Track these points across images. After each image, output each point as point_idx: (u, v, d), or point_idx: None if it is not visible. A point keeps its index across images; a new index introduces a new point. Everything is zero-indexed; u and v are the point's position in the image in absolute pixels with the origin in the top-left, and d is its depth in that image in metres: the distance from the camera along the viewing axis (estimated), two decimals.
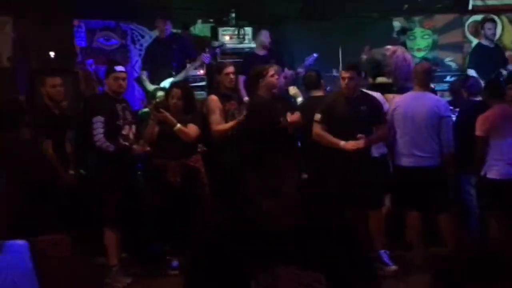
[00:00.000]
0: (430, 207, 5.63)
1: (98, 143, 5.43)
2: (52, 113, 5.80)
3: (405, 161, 5.64)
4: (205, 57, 7.42)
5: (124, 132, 5.57)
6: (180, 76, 7.23)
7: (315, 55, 7.45)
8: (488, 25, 8.46)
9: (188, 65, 7.43)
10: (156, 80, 7.34)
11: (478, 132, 5.55)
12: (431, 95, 5.90)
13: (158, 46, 7.73)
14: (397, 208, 5.84)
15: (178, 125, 5.61)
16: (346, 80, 5.63)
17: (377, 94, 6.03)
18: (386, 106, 5.99)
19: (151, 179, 5.87)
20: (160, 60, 7.45)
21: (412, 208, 5.68)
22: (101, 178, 5.55)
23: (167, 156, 5.63)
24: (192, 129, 5.70)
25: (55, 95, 5.81)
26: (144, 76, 7.52)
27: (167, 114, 5.59)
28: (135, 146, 5.57)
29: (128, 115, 5.67)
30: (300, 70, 7.37)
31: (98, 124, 5.44)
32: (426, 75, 5.86)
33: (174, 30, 8.59)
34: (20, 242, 4.11)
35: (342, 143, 5.48)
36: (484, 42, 8.49)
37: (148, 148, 5.61)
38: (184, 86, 6.16)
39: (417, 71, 5.91)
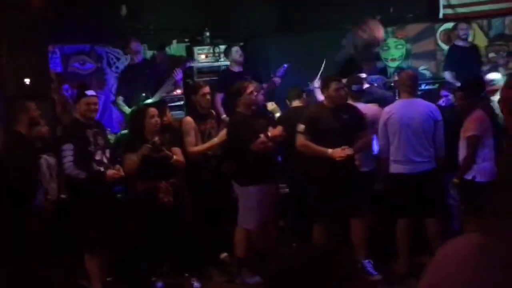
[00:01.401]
0: (423, 212, 5.67)
1: (67, 171, 5.38)
2: (27, 140, 5.74)
3: (402, 168, 5.67)
4: (177, 73, 7.46)
5: (97, 157, 5.52)
6: (156, 97, 7.24)
7: (285, 65, 7.50)
8: (461, 25, 8.57)
9: (161, 87, 7.42)
10: (132, 103, 7.32)
11: (474, 132, 5.57)
12: (421, 100, 5.97)
13: (131, 72, 7.77)
14: (390, 216, 5.82)
15: (174, 157, 5.67)
16: (342, 91, 5.75)
17: (373, 106, 6.15)
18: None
19: (135, 203, 5.78)
20: (134, 85, 7.47)
21: (405, 215, 5.70)
22: (78, 205, 5.51)
23: (156, 178, 5.60)
24: (178, 153, 5.78)
25: (36, 119, 5.78)
26: (120, 101, 7.54)
27: (166, 152, 5.63)
28: (109, 171, 5.50)
29: (100, 140, 5.60)
30: (277, 79, 7.42)
31: (68, 152, 5.39)
32: (413, 82, 5.92)
33: (150, 52, 8.64)
34: None
35: (330, 151, 5.53)
36: (459, 43, 8.59)
37: (123, 173, 5.55)
38: (155, 103, 6.19)
39: (403, 78, 5.95)
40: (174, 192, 5.66)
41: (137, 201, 5.73)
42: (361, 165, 5.97)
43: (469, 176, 5.61)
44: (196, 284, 5.80)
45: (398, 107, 5.80)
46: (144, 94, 7.08)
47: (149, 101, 7.10)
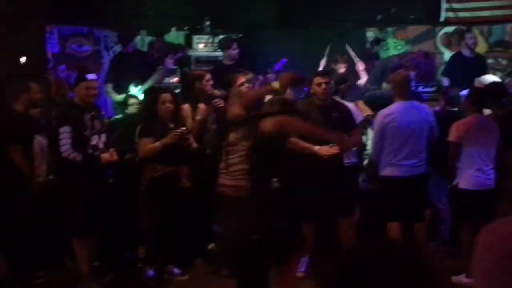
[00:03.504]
0: (415, 216, 5.66)
1: (65, 153, 5.33)
2: (21, 118, 5.69)
3: (397, 171, 5.59)
4: (169, 62, 7.41)
5: (92, 142, 5.47)
6: (148, 84, 7.19)
7: (284, 60, 7.46)
8: (468, 34, 8.48)
9: (150, 77, 7.37)
10: (121, 91, 7.29)
11: (451, 138, 5.59)
12: (418, 103, 5.93)
13: (122, 60, 7.71)
14: (380, 219, 5.79)
15: (194, 144, 5.72)
16: (323, 85, 5.65)
17: (350, 105, 6.09)
18: (360, 116, 6.03)
19: (152, 188, 5.69)
20: (124, 74, 7.42)
21: (397, 219, 5.66)
22: (69, 188, 5.47)
23: (174, 163, 5.62)
24: (192, 140, 5.83)
25: (37, 100, 5.77)
26: (109, 88, 7.49)
27: (191, 140, 5.70)
28: (104, 155, 5.47)
29: (97, 124, 5.54)
30: (270, 74, 7.36)
31: (65, 135, 5.33)
32: (408, 84, 5.86)
33: (148, 38, 8.58)
34: None
35: (317, 147, 5.50)
36: (465, 52, 8.44)
37: (116, 157, 5.52)
38: (171, 90, 6.16)
39: (397, 81, 5.83)
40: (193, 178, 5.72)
41: (151, 187, 5.64)
42: (344, 157, 5.95)
43: (454, 182, 5.62)
44: (176, 270, 5.79)
45: (397, 110, 5.68)
46: (134, 83, 7.05)
47: (137, 88, 7.07)
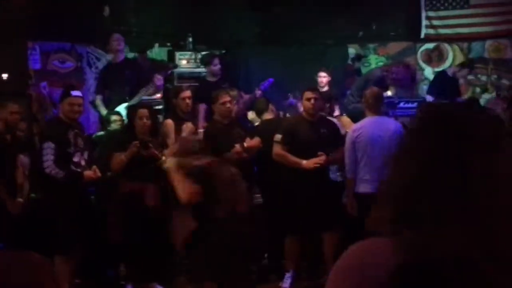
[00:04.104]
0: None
1: (48, 169, 5.30)
2: (2, 138, 5.66)
3: (370, 188, 5.43)
4: (158, 79, 7.36)
5: (75, 159, 5.45)
6: (134, 100, 7.14)
7: (270, 79, 7.49)
8: (464, 70, 8.56)
9: (141, 89, 7.29)
10: (110, 104, 7.24)
11: None
12: (388, 118, 5.97)
13: (111, 71, 7.60)
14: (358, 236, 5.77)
15: (163, 158, 5.58)
16: (312, 101, 5.69)
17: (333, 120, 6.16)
18: (342, 130, 6.06)
19: (119, 204, 5.68)
20: (113, 85, 7.35)
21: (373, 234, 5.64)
22: (51, 204, 5.43)
23: (143, 180, 5.56)
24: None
25: (11, 122, 5.72)
26: (99, 100, 7.39)
27: (154, 150, 5.57)
28: (86, 172, 5.44)
29: (80, 141, 5.53)
30: (258, 92, 7.39)
31: (48, 151, 5.30)
32: (376, 100, 5.84)
33: (131, 54, 8.57)
34: None
35: (304, 162, 5.53)
36: (449, 72, 8.54)
37: (99, 174, 5.49)
38: (149, 106, 6.13)
39: (366, 97, 5.85)
40: (162, 195, 5.60)
41: (120, 202, 5.65)
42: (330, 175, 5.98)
43: None
44: (159, 287, 5.75)
45: (366, 125, 5.69)
46: (122, 97, 7.00)
47: (123, 106, 7.03)
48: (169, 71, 7.94)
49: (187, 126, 6.07)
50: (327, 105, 6.55)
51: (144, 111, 5.73)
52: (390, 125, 5.72)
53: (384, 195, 1.29)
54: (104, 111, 7.21)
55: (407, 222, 1.21)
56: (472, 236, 1.15)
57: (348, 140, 5.72)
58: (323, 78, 8.26)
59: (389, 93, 7.45)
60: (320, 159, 5.54)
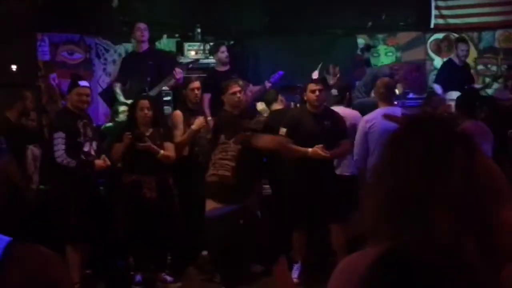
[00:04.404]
0: None
1: (59, 159, 5.34)
2: (14, 127, 5.70)
3: None
4: (178, 72, 7.26)
5: (85, 149, 5.49)
6: (153, 92, 7.09)
7: (280, 72, 7.47)
8: (461, 46, 8.50)
9: (162, 81, 7.17)
10: (130, 94, 7.14)
11: None
12: (400, 109, 5.95)
13: (133, 60, 7.46)
14: None
15: (161, 152, 5.64)
16: (317, 92, 5.67)
17: (352, 112, 6.12)
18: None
19: (121, 195, 5.75)
20: (134, 74, 7.23)
21: None
22: (63, 194, 5.47)
23: (141, 171, 5.58)
24: (170, 148, 5.76)
25: (27, 110, 5.76)
26: (117, 88, 7.23)
27: (150, 143, 5.59)
28: (97, 161, 5.50)
29: (89, 131, 5.58)
30: (268, 84, 7.38)
31: (59, 140, 5.34)
32: (387, 90, 5.87)
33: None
34: None
35: (310, 150, 5.52)
36: (455, 59, 8.55)
37: (109, 163, 5.54)
38: (150, 97, 6.13)
39: (378, 87, 5.89)
40: (160, 188, 5.62)
41: (122, 193, 5.70)
42: (342, 169, 5.97)
43: None
44: (169, 278, 5.78)
45: (379, 116, 5.64)
46: (142, 87, 6.93)
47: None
48: (190, 65, 7.83)
49: (199, 120, 6.05)
50: (347, 94, 6.50)
51: (144, 102, 5.75)
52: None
53: (369, 205, 1.34)
54: (122, 100, 7.14)
55: (392, 230, 1.27)
56: (459, 233, 1.20)
57: (360, 131, 5.73)
58: (334, 79, 8.15)
59: (396, 91, 7.40)
60: (325, 152, 5.51)
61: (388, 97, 5.80)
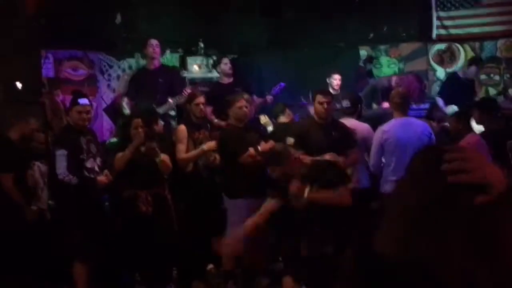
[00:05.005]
0: None
1: (61, 176, 5.35)
2: (14, 146, 5.69)
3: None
4: (187, 92, 7.19)
5: (88, 165, 5.50)
6: (161, 110, 7.04)
7: (282, 84, 7.49)
8: (472, 68, 8.46)
9: (171, 100, 7.09)
10: (135, 109, 7.10)
11: None
12: (416, 120, 5.95)
13: (144, 77, 7.36)
14: None
15: (162, 155, 5.63)
16: (325, 105, 5.68)
17: (363, 125, 6.13)
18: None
19: (120, 210, 5.79)
20: (143, 91, 7.17)
21: None
22: (66, 211, 5.47)
23: (137, 186, 5.59)
24: (167, 160, 5.76)
25: (28, 135, 5.79)
26: (124, 102, 7.16)
27: (155, 146, 5.62)
28: (100, 178, 5.50)
29: (93, 148, 5.59)
30: (269, 97, 7.40)
31: (61, 158, 5.35)
32: (403, 101, 5.86)
33: (143, 62, 8.54)
34: None
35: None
36: (460, 73, 8.56)
37: (111, 178, 5.54)
38: (142, 114, 6.12)
39: (393, 97, 5.88)
40: (156, 201, 5.62)
41: (120, 208, 5.72)
42: (357, 182, 5.97)
43: None
44: None
45: (395, 127, 5.71)
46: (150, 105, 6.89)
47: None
48: (200, 88, 7.73)
49: (211, 143, 6.00)
50: (359, 106, 6.51)
51: (138, 121, 5.72)
52: (417, 126, 5.75)
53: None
54: (128, 114, 7.07)
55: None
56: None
57: (375, 141, 5.74)
58: (338, 80, 8.26)
59: None
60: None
61: (403, 108, 5.81)
